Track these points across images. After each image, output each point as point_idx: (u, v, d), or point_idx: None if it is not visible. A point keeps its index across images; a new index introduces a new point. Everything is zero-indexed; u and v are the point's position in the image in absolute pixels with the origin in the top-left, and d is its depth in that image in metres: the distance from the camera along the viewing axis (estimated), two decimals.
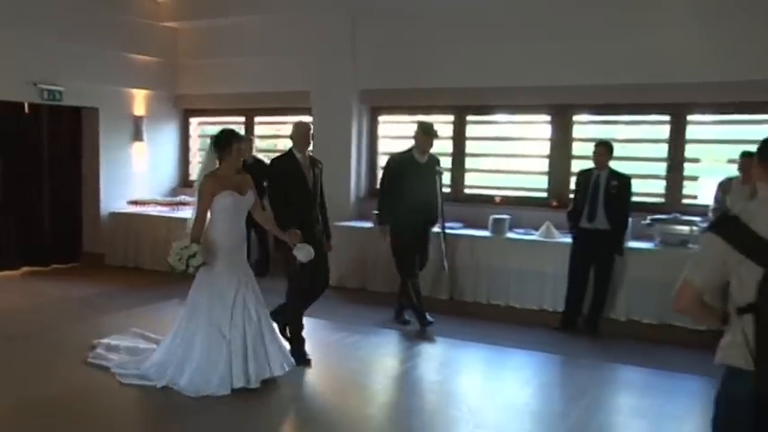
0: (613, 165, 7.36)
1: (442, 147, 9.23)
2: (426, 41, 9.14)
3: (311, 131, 6.46)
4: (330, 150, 9.46)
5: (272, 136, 11.34)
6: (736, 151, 7.36)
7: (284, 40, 10.02)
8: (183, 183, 11.43)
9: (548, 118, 8.92)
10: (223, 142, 5.44)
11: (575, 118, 8.81)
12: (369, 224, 8.94)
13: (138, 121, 10.84)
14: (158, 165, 11.25)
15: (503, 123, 9.44)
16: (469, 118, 9.31)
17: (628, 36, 8.12)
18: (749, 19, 7.64)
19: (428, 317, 7.39)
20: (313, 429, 5.00)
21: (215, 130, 11.26)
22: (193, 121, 11.55)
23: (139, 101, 10.92)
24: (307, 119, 9.84)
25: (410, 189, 7.23)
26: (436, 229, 7.67)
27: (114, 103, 10.49)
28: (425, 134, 7.32)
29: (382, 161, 9.74)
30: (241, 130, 10.88)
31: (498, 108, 9.14)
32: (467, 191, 9.35)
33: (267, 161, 9.80)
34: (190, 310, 5.50)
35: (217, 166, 5.44)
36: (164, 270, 9.47)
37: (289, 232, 5.82)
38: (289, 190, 6.11)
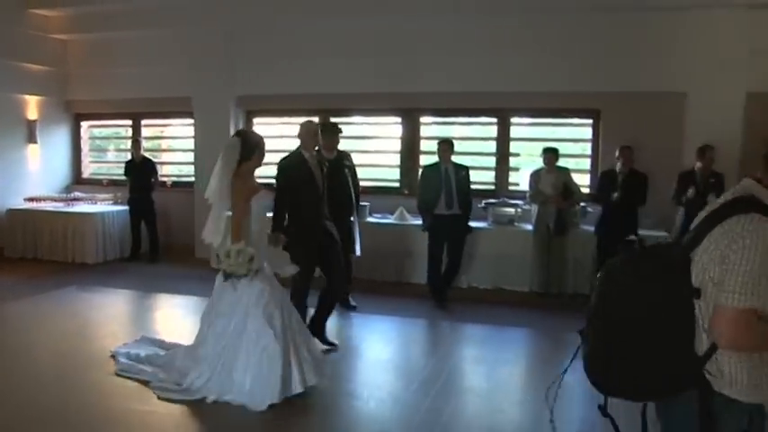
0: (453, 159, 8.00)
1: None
2: (294, 53, 9.69)
3: (318, 131, 6.14)
4: (210, 151, 10.14)
5: (157, 137, 11.57)
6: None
7: (167, 51, 10.30)
8: (76, 180, 11.56)
9: (398, 119, 9.80)
10: (252, 142, 5.00)
11: (421, 119, 9.71)
12: None
13: (31, 125, 10.87)
14: (52, 164, 11.29)
15: (360, 124, 10.21)
16: (332, 119, 9.79)
17: (463, 51, 9.06)
18: (559, 41, 8.75)
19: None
20: None
21: (105, 132, 12.27)
22: (84, 124, 11.66)
23: (32, 106, 10.91)
24: (188, 121, 10.39)
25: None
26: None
27: (8, 109, 10.51)
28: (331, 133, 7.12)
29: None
30: (128, 133, 11.24)
31: (356, 111, 9.89)
32: None
33: (153, 160, 10.36)
34: (227, 319, 4.87)
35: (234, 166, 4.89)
36: (60, 260, 9.84)
37: (274, 234, 5.68)
38: (295, 189, 5.87)
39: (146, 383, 5.07)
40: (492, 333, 6.98)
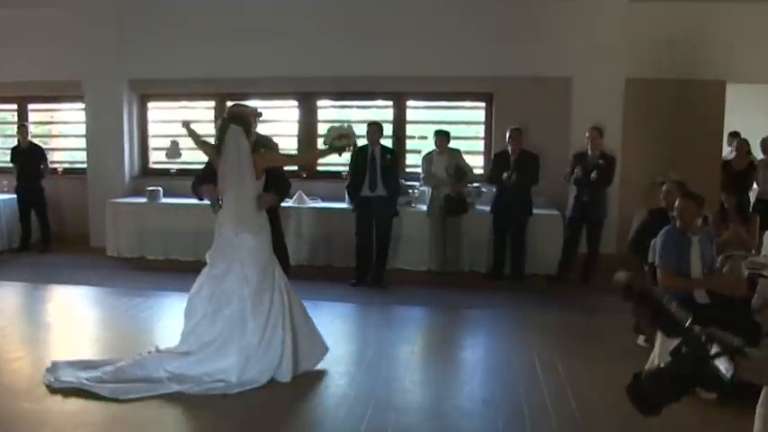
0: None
1: (206, 130, 10.14)
2: (190, 36, 9.32)
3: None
4: (103, 134, 9.61)
5: (47, 122, 10.97)
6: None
7: (55, 31, 9.68)
8: None
9: (295, 103, 9.68)
10: (246, 120, 5.01)
11: (318, 103, 9.64)
12: (143, 199, 9.30)
13: None
14: None
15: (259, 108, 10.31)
16: (229, 104, 10.07)
17: (360, 34, 8.99)
18: (453, 26, 8.89)
19: None
20: None
21: None
22: None
23: None
24: (79, 105, 9.86)
25: None
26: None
27: None
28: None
29: (153, 143, 10.04)
30: (14, 118, 10.57)
31: (253, 95, 9.37)
32: None
33: (42, 146, 9.81)
34: (256, 300, 4.85)
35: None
36: None
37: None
38: None
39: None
40: (395, 313, 7.05)
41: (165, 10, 9.53)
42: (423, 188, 8.63)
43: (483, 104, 9.34)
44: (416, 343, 6.23)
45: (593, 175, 7.79)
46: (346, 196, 8.40)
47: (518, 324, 6.59)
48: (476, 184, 8.66)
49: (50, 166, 9.90)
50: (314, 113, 9.70)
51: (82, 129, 10.12)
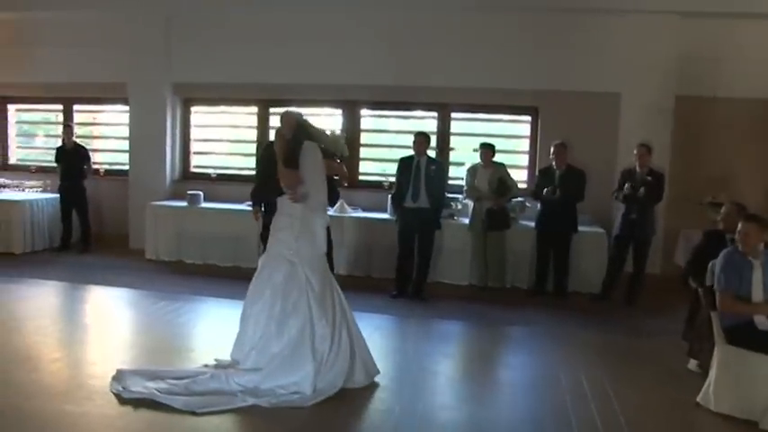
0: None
1: (248, 135, 9.97)
2: (234, 40, 9.33)
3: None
4: (146, 137, 9.61)
5: (90, 123, 10.93)
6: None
7: (102, 33, 9.72)
8: (2, 166, 10.89)
9: (338, 111, 9.55)
10: (314, 135, 4.99)
11: (361, 112, 9.52)
12: (183, 203, 9.28)
13: None
14: None
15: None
16: (272, 110, 9.63)
17: (404, 44, 8.93)
18: (500, 39, 8.79)
19: None
20: None
21: (33, 117, 11.54)
22: (11, 107, 10.98)
23: None
24: (124, 108, 9.95)
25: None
26: None
27: None
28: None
29: (195, 147, 10.03)
30: (59, 118, 10.62)
31: (296, 101, 9.14)
32: None
33: (86, 147, 9.79)
34: (321, 306, 4.75)
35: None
36: None
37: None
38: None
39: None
40: (435, 326, 6.89)
41: (210, 14, 9.55)
42: (465, 201, 8.42)
43: (528, 118, 9.12)
44: (458, 358, 6.09)
45: (642, 191, 7.55)
46: (389, 206, 8.25)
47: (562, 342, 6.40)
48: (519, 199, 8.42)
49: (93, 166, 9.86)
50: (357, 122, 9.54)
51: (124, 131, 10.11)
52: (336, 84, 9.24)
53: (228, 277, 8.44)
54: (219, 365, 4.92)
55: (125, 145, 10.11)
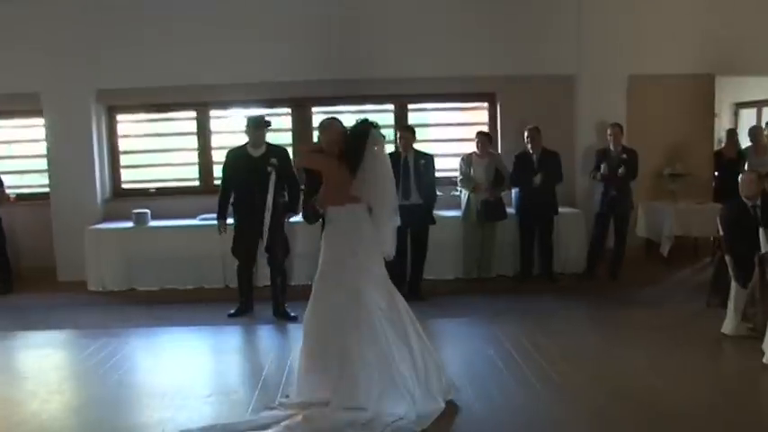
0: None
1: (188, 143, 8.89)
2: (164, 38, 8.28)
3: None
4: (68, 153, 8.31)
5: None
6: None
7: (7, 36, 8.18)
8: None
9: (288, 110, 8.83)
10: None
11: (312, 110, 8.78)
12: (127, 224, 8.09)
13: None
14: None
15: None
16: (213, 114, 8.82)
17: (353, 34, 8.36)
18: (454, 25, 8.45)
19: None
20: None
21: None
22: None
23: None
24: (37, 121, 8.49)
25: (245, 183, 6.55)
26: None
27: None
28: (254, 128, 6.58)
29: (124, 160, 8.89)
30: None
31: (235, 103, 8.73)
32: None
33: None
34: (394, 326, 4.24)
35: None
36: None
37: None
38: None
39: None
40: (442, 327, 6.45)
41: (136, 9, 8.34)
42: (459, 191, 8.03)
43: (486, 105, 8.93)
44: (491, 358, 5.47)
45: (621, 170, 7.66)
46: None
47: (598, 324, 6.45)
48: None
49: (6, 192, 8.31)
50: (308, 121, 8.84)
51: (38, 148, 8.64)
52: (284, 80, 8.46)
53: (192, 301, 7.54)
54: (298, 405, 4.24)
55: (40, 164, 8.62)
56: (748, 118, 10.38)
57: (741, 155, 9.13)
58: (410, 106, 8.91)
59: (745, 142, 9.35)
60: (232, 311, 6.85)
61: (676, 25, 8.60)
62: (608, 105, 8.51)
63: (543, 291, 7.63)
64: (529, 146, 7.87)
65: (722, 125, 10.14)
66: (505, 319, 6.56)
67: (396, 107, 8.85)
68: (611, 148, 7.87)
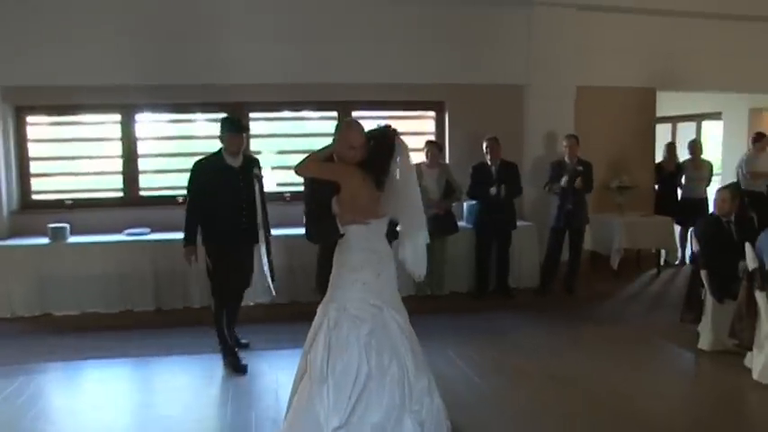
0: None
1: (112, 150, 7.92)
2: (81, 30, 7.34)
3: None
4: None
5: None
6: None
7: None
8: None
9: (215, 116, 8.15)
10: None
11: (251, 115, 8.02)
12: (40, 239, 7.07)
13: None
14: None
15: (165, 123, 8.18)
16: (138, 117, 7.86)
17: (294, 39, 7.77)
18: (403, 32, 8.04)
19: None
20: None
21: None
22: None
23: None
24: None
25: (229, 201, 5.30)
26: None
27: None
28: (233, 132, 5.32)
29: (34, 168, 7.81)
30: None
31: (161, 106, 7.91)
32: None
33: None
34: (412, 352, 3.75)
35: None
36: None
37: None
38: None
39: None
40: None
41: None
42: None
43: (433, 114, 8.53)
44: (473, 378, 5.19)
45: (578, 182, 7.44)
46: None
47: (567, 341, 6.15)
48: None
49: None
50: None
51: None
52: (218, 84, 7.72)
53: (118, 327, 6.63)
54: None
55: None
56: (687, 132, 10.58)
57: (679, 167, 9.19)
58: (354, 114, 8.32)
59: (683, 155, 9.43)
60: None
61: (621, 40, 8.60)
62: (557, 116, 8.38)
63: (500, 307, 7.29)
64: (488, 157, 7.51)
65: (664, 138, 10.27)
66: (462, 339, 6.16)
67: (339, 114, 8.23)
68: (567, 160, 7.64)
